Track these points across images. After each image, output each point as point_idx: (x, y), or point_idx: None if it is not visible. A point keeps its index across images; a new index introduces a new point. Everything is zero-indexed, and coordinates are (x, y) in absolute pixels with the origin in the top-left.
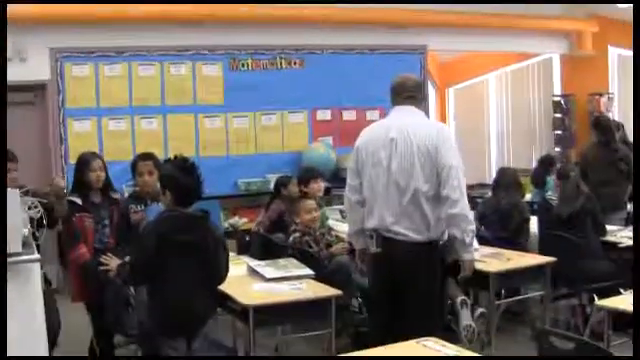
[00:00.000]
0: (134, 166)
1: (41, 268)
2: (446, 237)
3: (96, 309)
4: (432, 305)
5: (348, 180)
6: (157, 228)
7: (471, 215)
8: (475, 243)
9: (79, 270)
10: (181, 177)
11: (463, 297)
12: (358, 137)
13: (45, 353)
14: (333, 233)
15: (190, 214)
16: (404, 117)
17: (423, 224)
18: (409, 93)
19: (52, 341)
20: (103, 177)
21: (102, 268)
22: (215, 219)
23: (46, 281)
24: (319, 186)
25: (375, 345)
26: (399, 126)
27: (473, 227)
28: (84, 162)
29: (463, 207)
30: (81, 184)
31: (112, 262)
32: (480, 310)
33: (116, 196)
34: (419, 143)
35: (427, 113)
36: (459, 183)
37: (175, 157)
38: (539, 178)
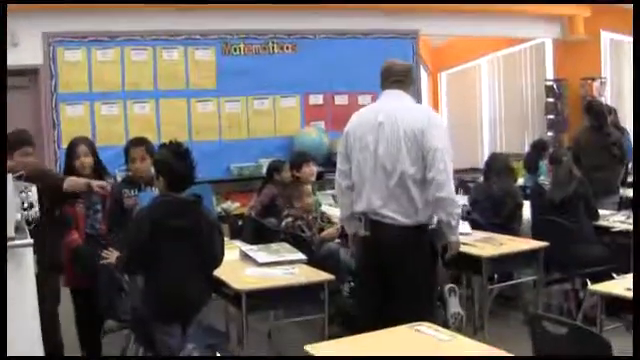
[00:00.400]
0: (126, 152)
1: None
2: (435, 221)
3: (87, 295)
4: (420, 289)
5: (338, 165)
6: (150, 214)
7: (457, 199)
8: (467, 228)
9: (71, 255)
10: (175, 162)
11: (451, 285)
12: (348, 122)
13: (38, 339)
14: (325, 217)
15: (183, 199)
16: (392, 101)
17: (411, 207)
18: (396, 77)
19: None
20: (89, 162)
21: (104, 262)
22: (208, 203)
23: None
24: (311, 170)
25: (365, 329)
26: (387, 110)
27: (459, 210)
28: (69, 148)
29: (450, 191)
30: (69, 170)
31: (112, 255)
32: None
33: (109, 180)
34: (406, 127)
35: (419, 98)
36: (445, 166)
37: (170, 142)
38: (531, 163)
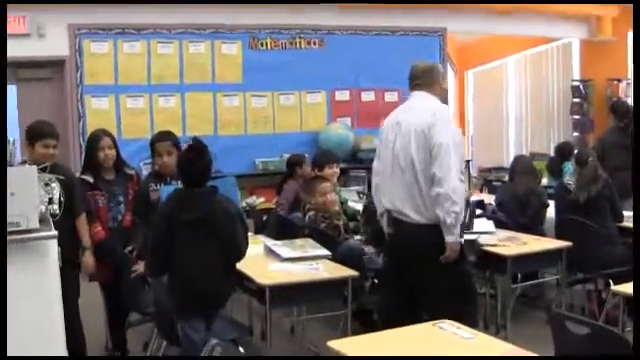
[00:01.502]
0: (152, 146)
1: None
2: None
3: (111, 288)
4: (441, 289)
5: (374, 163)
6: (165, 209)
7: (458, 197)
8: (492, 226)
9: (94, 249)
10: (191, 160)
11: None
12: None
13: (62, 329)
14: (359, 214)
15: (196, 191)
16: (414, 101)
17: (423, 205)
18: (416, 81)
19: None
20: (112, 155)
21: (133, 275)
22: (233, 195)
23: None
24: (334, 172)
25: (386, 326)
26: (406, 110)
27: (457, 209)
28: (92, 140)
29: (449, 187)
30: (91, 162)
31: (140, 266)
32: None
33: (131, 172)
34: (416, 124)
35: (445, 95)
36: (448, 161)
37: (192, 139)
38: (555, 166)
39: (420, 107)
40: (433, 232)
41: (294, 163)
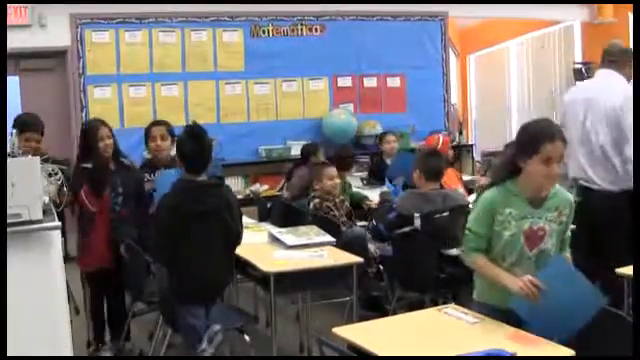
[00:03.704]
0: (147, 132)
1: (63, 236)
2: None
3: (112, 277)
4: (616, 251)
5: None
6: (169, 200)
7: None
8: None
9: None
10: (188, 143)
11: None
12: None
13: (66, 320)
14: (366, 203)
15: (203, 183)
16: (603, 79)
17: (615, 178)
18: (611, 57)
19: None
20: (111, 145)
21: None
22: None
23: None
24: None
25: None
26: (596, 87)
27: None
28: (90, 129)
29: None
30: (89, 151)
31: None
32: None
33: (127, 163)
34: (607, 102)
35: (448, 80)
36: None
37: (193, 122)
38: None
39: (612, 86)
40: (622, 199)
41: (309, 152)
